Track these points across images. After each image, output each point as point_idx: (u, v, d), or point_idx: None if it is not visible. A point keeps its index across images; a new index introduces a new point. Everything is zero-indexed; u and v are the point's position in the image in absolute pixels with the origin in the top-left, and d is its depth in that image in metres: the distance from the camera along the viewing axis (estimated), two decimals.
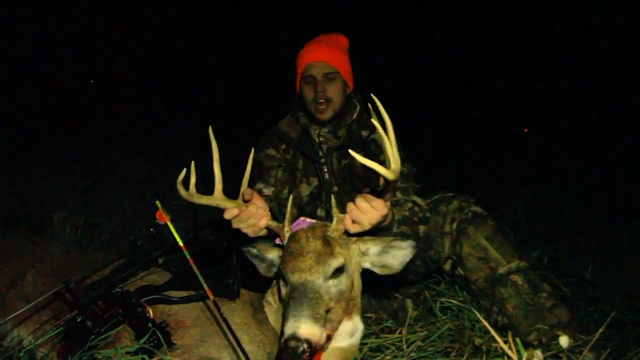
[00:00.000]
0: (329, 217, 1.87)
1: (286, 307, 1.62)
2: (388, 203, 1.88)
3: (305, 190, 2.81)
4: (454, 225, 2.40)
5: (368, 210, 1.78)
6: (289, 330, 1.52)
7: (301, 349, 1.47)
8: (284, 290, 1.74)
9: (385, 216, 1.88)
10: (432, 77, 14.64)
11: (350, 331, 1.81)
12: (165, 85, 13.70)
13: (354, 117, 2.72)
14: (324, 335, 1.58)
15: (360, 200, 1.79)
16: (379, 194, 1.82)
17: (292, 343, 1.48)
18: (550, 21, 13.93)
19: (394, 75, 13.57)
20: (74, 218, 3.88)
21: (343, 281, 1.72)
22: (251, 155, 2.02)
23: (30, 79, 11.28)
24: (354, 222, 1.81)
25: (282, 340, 1.51)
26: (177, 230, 1.84)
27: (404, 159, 2.61)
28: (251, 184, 2.73)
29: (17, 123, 8.27)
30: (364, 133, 2.74)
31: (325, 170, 2.77)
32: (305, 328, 1.51)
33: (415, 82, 14.37)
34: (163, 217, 1.87)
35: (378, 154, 2.52)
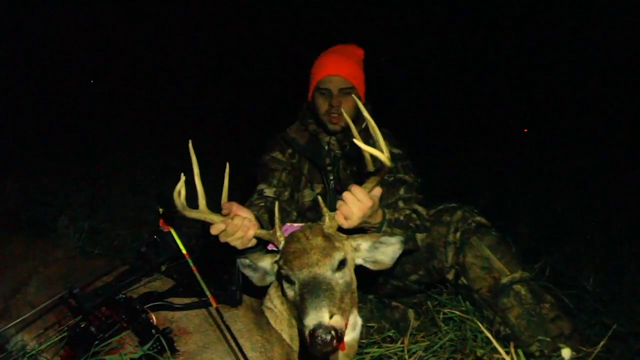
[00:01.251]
0: (320, 217, 1.90)
1: (301, 303, 1.61)
2: (374, 195, 1.93)
3: (308, 195, 2.81)
4: (458, 235, 2.42)
5: (354, 202, 1.85)
6: (312, 321, 1.49)
7: (329, 337, 1.45)
8: (290, 292, 1.73)
9: (373, 210, 1.94)
10: (431, 80, 14.64)
11: (352, 324, 1.82)
12: (170, 90, 13.73)
13: (363, 127, 2.68)
14: (345, 323, 1.59)
15: (346, 194, 1.87)
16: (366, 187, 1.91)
17: (320, 332, 1.46)
18: (551, 21, 13.91)
19: (394, 80, 13.57)
20: (78, 224, 3.91)
21: (347, 273, 1.75)
22: (227, 170, 2.02)
23: (34, 82, 11.35)
24: (345, 218, 1.87)
25: (308, 333, 1.49)
26: (180, 238, 1.86)
27: (409, 169, 2.65)
28: (254, 185, 2.75)
29: (21, 128, 8.31)
30: (372, 142, 2.75)
31: (331, 177, 2.78)
32: (329, 316, 1.51)
33: (414, 85, 14.39)
34: (167, 225, 1.89)
35: None
